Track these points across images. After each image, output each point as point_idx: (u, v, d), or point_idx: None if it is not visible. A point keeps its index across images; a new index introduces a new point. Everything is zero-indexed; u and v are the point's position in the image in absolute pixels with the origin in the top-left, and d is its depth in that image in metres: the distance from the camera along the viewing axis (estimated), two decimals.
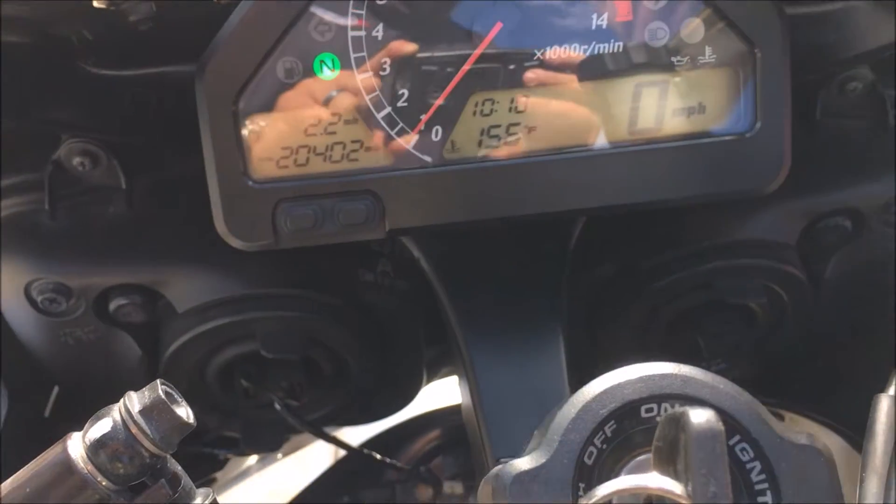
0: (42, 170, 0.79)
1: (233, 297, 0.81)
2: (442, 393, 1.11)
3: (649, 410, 0.40)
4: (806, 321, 0.92)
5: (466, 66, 0.68)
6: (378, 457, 0.94)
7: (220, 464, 1.03)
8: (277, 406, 0.87)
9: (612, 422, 0.40)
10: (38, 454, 0.71)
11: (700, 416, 0.34)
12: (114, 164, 0.79)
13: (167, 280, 0.81)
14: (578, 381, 1.00)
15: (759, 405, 0.41)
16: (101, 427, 0.44)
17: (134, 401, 0.44)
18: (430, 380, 1.05)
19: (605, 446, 0.41)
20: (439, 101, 0.69)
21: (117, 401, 0.89)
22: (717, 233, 0.85)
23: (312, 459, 1.18)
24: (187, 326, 0.81)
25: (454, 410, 1.09)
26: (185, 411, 0.45)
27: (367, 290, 0.87)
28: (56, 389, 0.93)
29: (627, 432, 0.40)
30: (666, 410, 0.40)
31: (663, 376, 0.40)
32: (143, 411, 0.44)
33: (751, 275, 0.86)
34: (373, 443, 1.07)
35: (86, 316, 0.82)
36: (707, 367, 0.88)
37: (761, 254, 0.85)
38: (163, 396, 0.44)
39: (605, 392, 0.41)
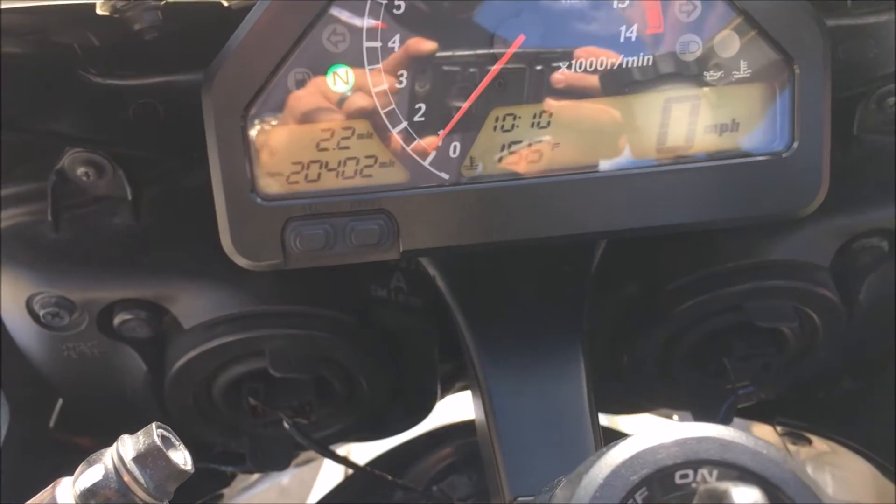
0: (45, 179, 0.76)
1: (241, 313, 0.78)
2: (455, 407, 1.08)
3: (684, 476, 0.36)
4: (838, 344, 0.88)
5: (487, 80, 0.65)
6: (389, 477, 0.91)
7: (228, 479, 1.00)
8: (286, 425, 0.84)
9: (644, 488, 0.37)
10: (41, 467, 0.68)
11: (745, 497, 0.31)
12: (119, 175, 0.76)
13: (173, 295, 0.78)
14: (601, 402, 0.97)
15: (805, 472, 0.37)
16: (92, 474, 0.42)
17: (128, 446, 0.41)
18: (444, 394, 1.02)
19: None
20: (458, 116, 0.65)
21: (121, 416, 0.89)
22: (746, 253, 0.81)
23: (323, 474, 1.15)
24: (193, 343, 0.79)
25: (468, 426, 1.06)
26: (182, 457, 0.42)
27: (380, 307, 0.84)
28: (60, 402, 0.91)
29: (659, 499, 0.36)
30: (702, 477, 0.36)
31: (700, 440, 0.37)
32: (137, 458, 0.41)
33: (782, 297, 0.82)
34: (383, 460, 1.04)
35: (89, 330, 0.80)
36: (733, 390, 0.87)
37: (793, 275, 0.81)
38: (158, 442, 0.41)
39: (636, 456, 0.37)
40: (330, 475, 1.13)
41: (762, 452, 0.36)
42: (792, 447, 1.08)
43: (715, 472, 0.36)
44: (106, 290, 0.78)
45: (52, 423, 0.92)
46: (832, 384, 1.01)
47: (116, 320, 0.79)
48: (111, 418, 0.90)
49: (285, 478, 1.17)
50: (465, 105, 0.65)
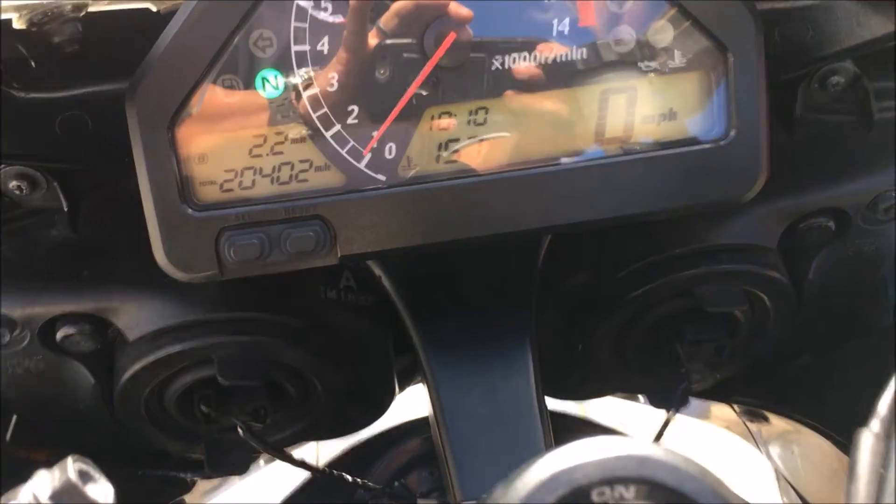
0: None
1: (186, 322, 0.77)
2: (416, 401, 1.08)
3: (601, 494, 0.36)
4: (790, 324, 0.88)
5: (419, 80, 0.64)
6: (349, 478, 0.90)
7: (188, 485, 0.99)
8: (240, 431, 0.84)
9: None
10: None
11: None
12: (54, 187, 0.74)
13: (116, 307, 0.77)
14: (558, 389, 0.97)
15: (725, 486, 0.37)
16: None
17: (44, 483, 0.40)
18: (402, 389, 1.02)
19: None
20: (392, 116, 0.64)
21: (75, 429, 0.87)
22: (694, 238, 0.81)
23: (284, 473, 1.14)
24: (139, 355, 0.77)
25: (427, 421, 1.06)
26: (102, 490, 0.41)
27: (330, 308, 0.83)
28: (14, 418, 0.89)
29: None
30: (620, 495, 0.36)
31: (618, 458, 0.36)
32: (53, 496, 0.40)
33: (731, 281, 0.82)
34: (345, 457, 1.03)
35: (32, 346, 0.78)
36: (687, 374, 0.87)
37: (741, 259, 0.81)
38: (74, 478, 0.40)
39: (553, 478, 0.37)
40: (297, 473, 1.12)
41: (680, 467, 0.36)
42: (752, 425, 1.09)
43: (632, 490, 0.36)
44: (46, 304, 0.76)
45: (7, 438, 0.91)
46: (788, 361, 1.02)
47: (59, 335, 0.77)
48: (66, 432, 0.89)
49: (252, 478, 1.17)
50: (399, 105, 0.64)
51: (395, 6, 0.62)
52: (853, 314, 0.93)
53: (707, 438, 1.14)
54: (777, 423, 1.04)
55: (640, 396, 1.31)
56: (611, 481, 0.36)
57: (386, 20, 0.63)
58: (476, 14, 0.63)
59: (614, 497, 0.36)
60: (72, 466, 0.41)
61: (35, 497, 0.40)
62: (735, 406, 1.05)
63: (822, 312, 0.91)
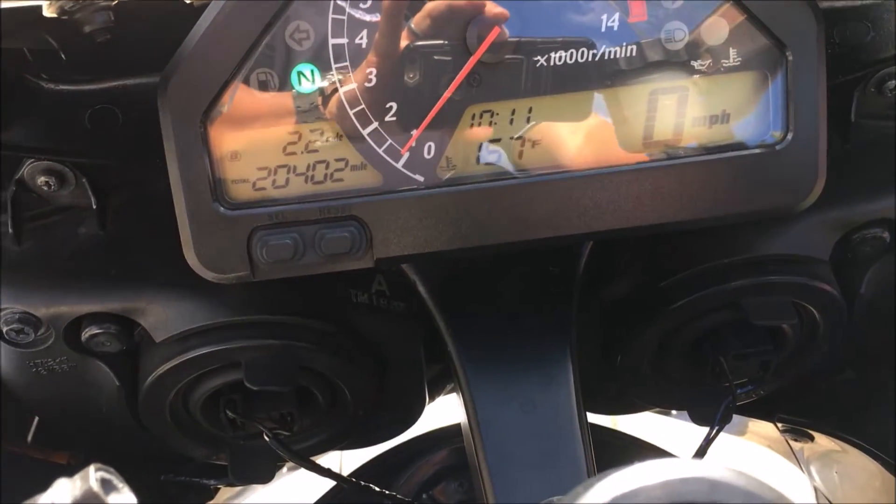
0: (4, 190, 0.72)
1: (214, 324, 0.75)
2: (444, 410, 1.05)
3: None
4: (840, 340, 0.84)
5: (461, 76, 0.61)
6: (376, 489, 0.88)
7: (212, 492, 0.97)
8: (266, 438, 0.81)
9: None
10: (20, 483, 0.64)
11: None
12: (83, 183, 0.73)
13: (143, 307, 0.75)
14: (595, 403, 0.94)
15: None
16: None
17: (64, 492, 0.38)
18: (433, 398, 0.99)
19: None
20: (432, 114, 0.62)
21: (98, 431, 0.85)
22: (742, 248, 0.78)
23: (307, 481, 1.12)
24: (165, 357, 0.75)
25: (458, 430, 1.02)
26: (124, 500, 0.39)
27: (362, 313, 0.80)
28: (36, 420, 0.88)
29: None
30: None
31: (685, 481, 0.33)
32: None
33: (779, 293, 0.78)
34: (372, 467, 1.01)
35: (57, 346, 0.76)
36: (732, 389, 0.83)
37: (791, 270, 0.78)
38: (96, 487, 0.37)
39: (614, 502, 0.34)
40: (322, 482, 1.10)
41: (754, 492, 0.33)
42: (795, 444, 1.05)
43: None
44: (72, 303, 0.74)
45: (29, 440, 0.89)
46: (833, 377, 0.98)
47: (85, 335, 0.75)
48: (88, 434, 0.87)
49: (275, 485, 1.14)
50: (439, 103, 0.62)
51: (432, 4, 0.60)
52: None
53: (746, 456, 1.10)
54: (821, 441, 1.00)
55: (674, 411, 1.27)
56: None
57: (421, 18, 0.60)
58: (521, 9, 0.60)
59: None
60: (94, 475, 0.38)
61: None
62: (778, 423, 1.01)
63: (872, 327, 0.87)
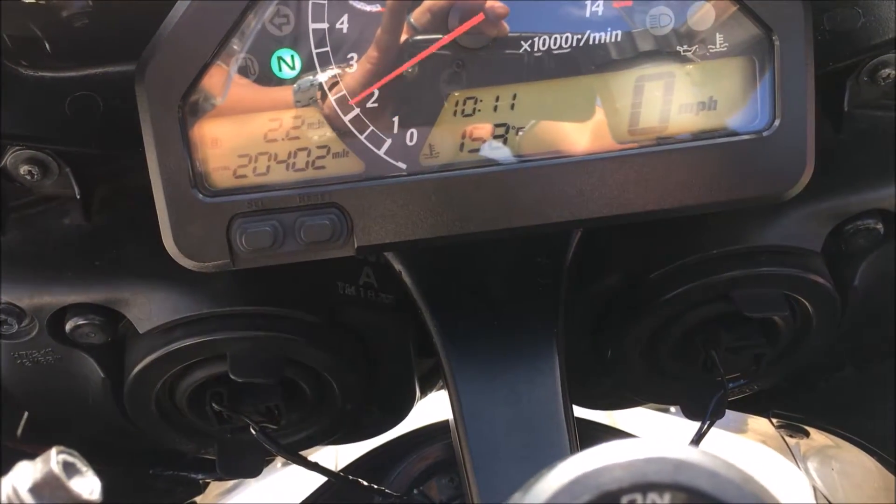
0: None
1: (199, 315, 0.74)
2: (437, 405, 1.04)
3: (631, 502, 0.32)
4: (833, 332, 0.83)
5: (433, 48, 0.60)
6: (366, 484, 0.87)
7: (201, 487, 0.96)
8: (253, 431, 0.80)
9: None
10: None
11: None
12: (66, 173, 0.72)
13: (127, 298, 0.74)
14: (586, 398, 0.93)
15: (770, 494, 0.33)
16: None
17: (25, 475, 0.37)
18: (424, 394, 0.98)
19: None
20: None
21: (85, 423, 0.85)
22: (733, 239, 0.77)
23: (298, 477, 1.11)
24: (149, 348, 0.74)
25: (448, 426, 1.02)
26: (87, 485, 0.38)
27: (349, 305, 0.79)
28: (26, 415, 0.87)
29: None
30: (652, 502, 0.32)
31: (649, 461, 0.32)
32: (34, 488, 0.37)
33: (771, 285, 0.77)
34: (363, 462, 1.00)
35: (41, 337, 0.76)
36: (724, 382, 0.82)
37: (782, 262, 0.76)
38: (56, 470, 0.37)
39: (576, 480, 0.33)
40: (313, 477, 1.09)
41: (720, 473, 0.32)
42: (791, 440, 1.03)
43: (667, 497, 0.32)
44: (56, 294, 0.74)
45: (19, 433, 0.89)
46: (831, 373, 0.96)
47: (69, 326, 0.75)
48: (74, 428, 0.87)
49: (266, 481, 1.14)
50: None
51: None
52: None
53: (742, 452, 1.09)
54: (817, 437, 0.99)
55: (672, 408, 1.26)
56: (643, 487, 0.32)
57: (406, 3, 0.60)
58: None
59: None
60: (55, 458, 0.38)
61: (15, 489, 0.37)
62: (773, 419, 1.00)
63: (867, 321, 0.86)
